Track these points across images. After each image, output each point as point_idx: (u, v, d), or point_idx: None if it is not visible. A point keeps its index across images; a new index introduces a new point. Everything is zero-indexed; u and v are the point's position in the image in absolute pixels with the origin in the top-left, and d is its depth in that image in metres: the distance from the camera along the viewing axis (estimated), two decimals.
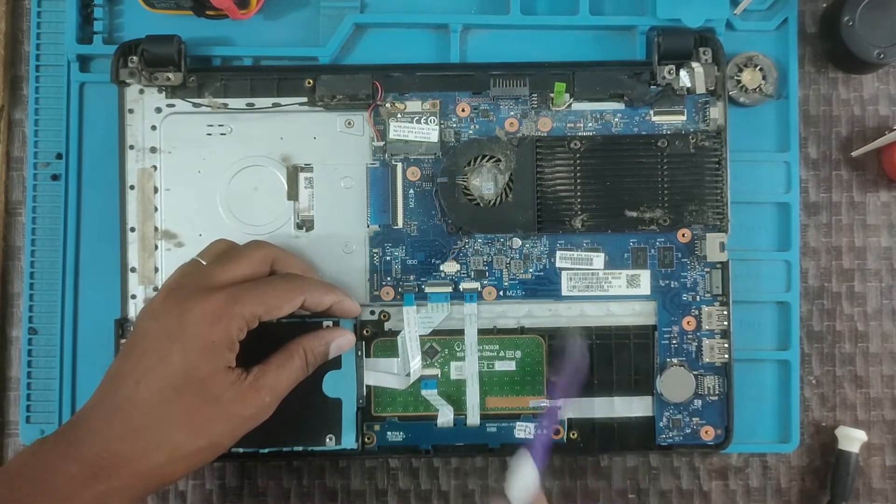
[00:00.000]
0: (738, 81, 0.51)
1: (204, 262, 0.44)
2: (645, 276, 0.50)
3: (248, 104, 0.50)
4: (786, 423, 0.52)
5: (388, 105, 0.50)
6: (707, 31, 0.51)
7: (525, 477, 0.41)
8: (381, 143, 0.50)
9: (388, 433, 0.50)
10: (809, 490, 0.52)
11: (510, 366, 0.50)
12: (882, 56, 0.50)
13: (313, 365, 0.46)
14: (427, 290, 0.49)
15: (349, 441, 0.48)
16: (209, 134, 0.50)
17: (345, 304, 0.47)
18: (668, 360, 0.50)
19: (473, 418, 0.49)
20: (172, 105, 0.50)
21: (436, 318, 0.49)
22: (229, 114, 0.50)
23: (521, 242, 0.50)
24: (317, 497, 0.52)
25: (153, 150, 0.50)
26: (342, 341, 0.47)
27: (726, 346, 0.49)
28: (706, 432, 0.50)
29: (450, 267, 0.50)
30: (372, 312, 0.50)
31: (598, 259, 0.50)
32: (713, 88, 0.50)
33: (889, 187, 0.53)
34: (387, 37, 0.52)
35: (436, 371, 0.50)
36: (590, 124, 0.50)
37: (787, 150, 0.52)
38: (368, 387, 0.49)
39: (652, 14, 0.51)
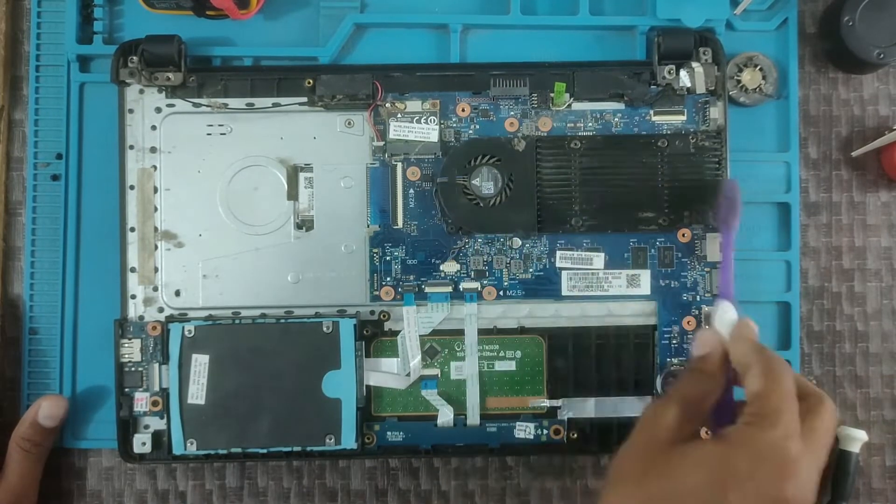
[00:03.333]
0: (738, 81, 0.51)
1: None
2: (645, 276, 0.50)
3: (248, 104, 0.50)
4: None
5: (388, 105, 0.50)
6: (707, 31, 0.51)
7: (725, 315, 0.40)
8: (381, 143, 0.50)
9: (388, 433, 0.50)
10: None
11: (510, 366, 0.50)
12: (882, 56, 0.50)
13: (38, 444, 0.48)
14: (427, 290, 0.49)
15: (349, 441, 0.48)
16: (209, 134, 0.50)
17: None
18: (668, 360, 0.50)
19: (473, 418, 0.49)
20: (172, 105, 0.50)
21: (436, 318, 0.49)
22: (229, 114, 0.50)
23: (521, 242, 0.50)
24: (317, 497, 0.52)
25: (153, 150, 0.50)
26: (46, 409, 0.48)
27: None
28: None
29: (450, 267, 0.50)
30: (372, 312, 0.50)
31: (598, 259, 0.50)
32: (713, 88, 0.50)
33: (889, 187, 0.53)
34: (387, 37, 0.52)
35: (436, 371, 0.50)
36: (590, 124, 0.50)
37: (787, 150, 0.52)
38: (368, 387, 0.49)
39: (652, 14, 0.51)
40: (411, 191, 0.50)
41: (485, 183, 0.49)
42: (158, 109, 0.50)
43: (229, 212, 0.50)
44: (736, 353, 0.38)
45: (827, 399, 0.38)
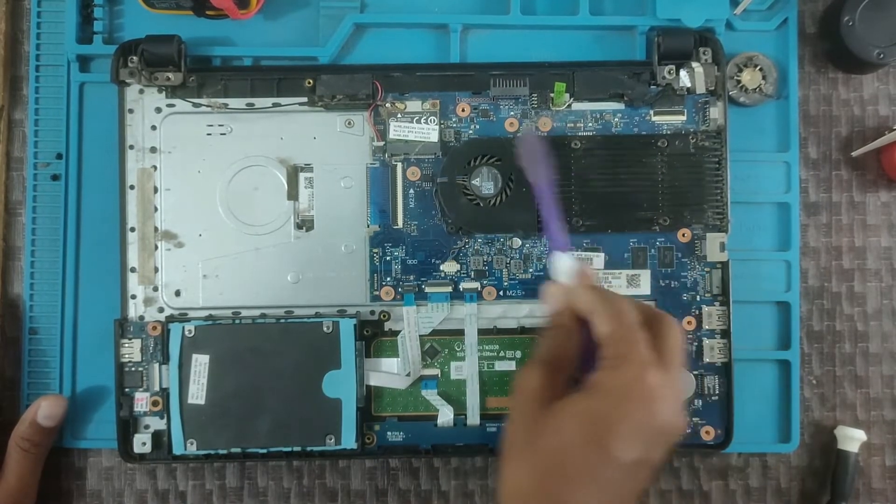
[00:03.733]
0: (738, 81, 0.51)
1: None
2: (645, 275, 0.50)
3: (248, 104, 0.50)
4: (786, 423, 0.52)
5: (388, 105, 0.50)
6: (707, 31, 0.51)
7: (562, 265, 0.41)
8: (381, 143, 0.50)
9: (388, 433, 0.50)
10: (809, 490, 0.52)
11: (510, 366, 0.50)
12: (882, 56, 0.50)
13: (37, 444, 0.48)
14: (427, 290, 0.49)
15: (349, 441, 0.48)
16: (209, 134, 0.50)
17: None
18: None
19: (473, 418, 0.49)
20: (172, 105, 0.50)
21: (436, 318, 0.49)
22: (229, 114, 0.50)
23: (521, 242, 0.50)
24: (317, 497, 0.52)
25: (153, 150, 0.50)
26: (45, 409, 0.48)
27: (726, 346, 0.49)
28: (706, 432, 0.50)
29: (450, 267, 0.50)
30: (372, 312, 0.50)
31: (598, 259, 0.50)
32: (713, 88, 0.50)
33: (889, 187, 0.53)
34: (387, 37, 0.52)
35: (436, 371, 0.50)
36: (590, 124, 0.50)
37: (787, 150, 0.52)
38: (368, 387, 0.49)
39: (652, 14, 0.51)
40: (411, 191, 0.50)
41: (485, 183, 0.49)
42: (158, 109, 0.50)
43: (229, 212, 0.50)
44: (579, 302, 0.39)
45: (668, 318, 0.39)
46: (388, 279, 0.50)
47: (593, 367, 0.38)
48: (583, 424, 0.36)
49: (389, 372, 0.49)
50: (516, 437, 0.38)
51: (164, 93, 0.50)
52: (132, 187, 0.49)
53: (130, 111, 0.50)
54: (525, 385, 0.38)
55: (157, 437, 0.49)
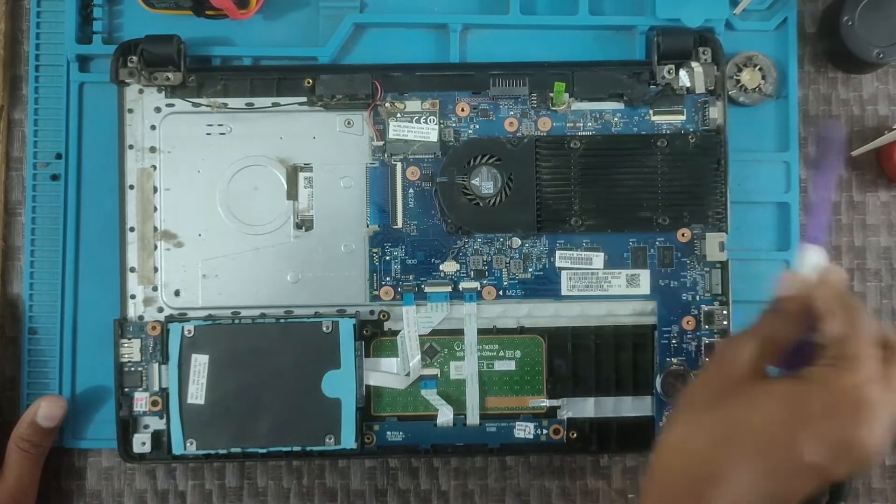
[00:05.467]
0: (738, 81, 0.51)
1: None
2: (644, 275, 0.50)
3: (247, 104, 0.50)
4: None
5: (387, 105, 0.50)
6: (706, 30, 0.51)
7: (812, 259, 0.39)
8: (381, 143, 0.50)
9: (388, 433, 0.50)
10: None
11: (510, 366, 0.50)
12: (881, 56, 0.50)
13: (37, 444, 0.48)
14: (427, 289, 0.49)
15: (349, 441, 0.48)
16: (209, 134, 0.50)
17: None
18: (667, 359, 0.50)
19: (473, 418, 0.49)
20: (172, 105, 0.50)
21: (435, 317, 0.49)
22: (229, 114, 0.50)
23: (520, 242, 0.50)
24: (317, 497, 0.52)
25: (153, 149, 0.50)
26: (45, 409, 0.48)
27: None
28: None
29: (449, 267, 0.50)
30: (372, 312, 0.50)
31: (598, 259, 0.50)
32: (713, 88, 0.50)
33: (889, 187, 0.53)
34: (386, 37, 0.52)
35: (435, 371, 0.50)
36: (589, 124, 0.50)
37: (787, 150, 0.52)
38: (368, 387, 0.49)
39: (651, 14, 0.51)
40: (411, 191, 0.50)
41: (484, 183, 0.49)
42: (158, 109, 0.50)
43: (229, 212, 0.50)
44: (822, 297, 0.37)
45: None
46: (388, 279, 0.50)
47: (802, 364, 0.36)
48: (785, 408, 0.34)
49: (389, 372, 0.49)
50: (704, 397, 0.36)
51: (163, 93, 0.50)
52: (132, 187, 0.49)
53: (130, 111, 0.50)
54: (734, 352, 0.37)
55: (156, 436, 0.49)
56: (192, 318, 0.49)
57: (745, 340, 0.37)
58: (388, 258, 0.50)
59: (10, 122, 0.52)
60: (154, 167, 0.50)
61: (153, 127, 0.50)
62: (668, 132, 0.50)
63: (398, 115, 0.50)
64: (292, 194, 0.50)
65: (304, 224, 0.50)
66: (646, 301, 0.50)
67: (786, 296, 0.39)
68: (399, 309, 0.49)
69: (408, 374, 0.49)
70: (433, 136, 0.50)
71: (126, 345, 0.49)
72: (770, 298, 0.39)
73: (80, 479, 0.52)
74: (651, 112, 0.50)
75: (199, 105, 0.49)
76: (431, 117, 0.50)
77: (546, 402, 0.49)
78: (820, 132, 0.46)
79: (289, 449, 0.48)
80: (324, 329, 0.48)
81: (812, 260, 0.39)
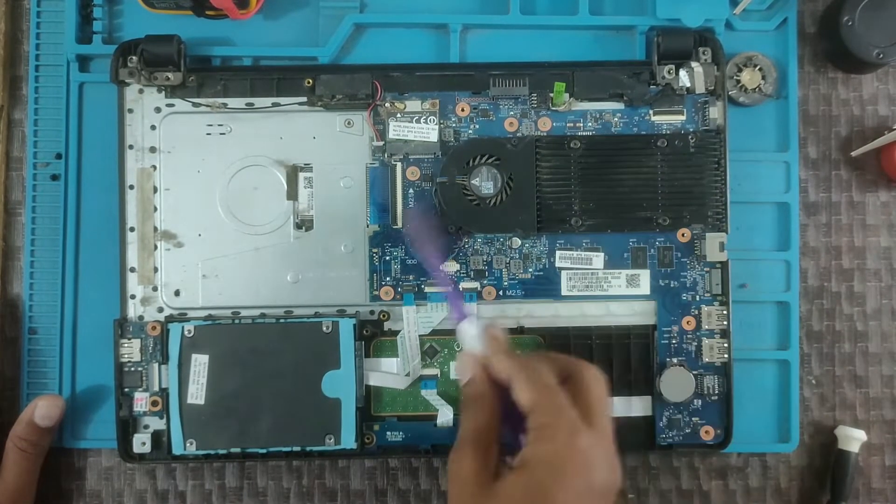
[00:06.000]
0: (738, 81, 0.51)
1: None
2: (645, 275, 0.50)
3: (247, 104, 0.50)
4: (785, 423, 0.52)
5: (387, 105, 0.50)
6: (706, 30, 0.51)
7: (469, 332, 0.41)
8: (381, 143, 0.50)
9: (388, 433, 0.50)
10: (809, 490, 0.52)
11: None
12: (881, 56, 0.50)
13: (34, 444, 0.48)
14: (426, 289, 0.49)
15: (349, 441, 0.48)
16: (209, 134, 0.50)
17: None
18: (667, 359, 0.50)
19: None
20: (172, 105, 0.50)
21: (435, 317, 0.49)
22: (229, 114, 0.50)
23: (520, 242, 0.50)
24: (317, 497, 0.52)
25: (153, 149, 0.50)
26: (42, 409, 0.48)
27: (726, 345, 0.49)
28: (706, 432, 0.50)
29: (449, 267, 0.50)
30: (372, 312, 0.50)
31: (598, 259, 0.50)
32: (713, 88, 0.50)
33: (888, 187, 0.53)
34: (386, 37, 0.52)
35: (435, 371, 0.50)
36: (589, 124, 0.50)
37: (787, 150, 0.52)
38: (368, 387, 0.49)
39: (651, 14, 0.51)
40: (411, 191, 0.50)
41: (484, 183, 0.49)
42: (158, 109, 0.50)
43: (229, 212, 0.50)
44: (496, 368, 0.39)
45: (588, 369, 0.39)
46: (388, 279, 0.50)
47: (522, 429, 0.37)
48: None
49: (389, 372, 0.49)
50: None
51: (163, 93, 0.50)
52: (132, 187, 0.49)
53: (130, 111, 0.50)
54: (459, 471, 0.37)
55: (156, 437, 0.49)
56: (192, 318, 0.49)
57: (462, 452, 0.38)
58: (388, 258, 0.50)
59: (10, 122, 0.52)
60: (154, 167, 0.50)
61: (153, 127, 0.50)
62: (669, 132, 0.50)
63: (398, 115, 0.50)
64: (292, 194, 0.50)
65: (304, 224, 0.50)
66: (646, 301, 0.50)
67: (473, 379, 0.40)
68: (399, 309, 0.49)
69: (408, 375, 0.49)
70: (433, 137, 0.50)
71: (126, 345, 0.49)
72: (460, 389, 0.40)
73: (79, 479, 0.52)
74: (651, 112, 0.50)
75: (199, 105, 0.49)
76: (431, 117, 0.50)
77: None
78: (407, 224, 0.48)
79: (289, 449, 0.48)
80: (324, 329, 0.48)
81: (470, 332, 0.41)
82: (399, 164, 0.50)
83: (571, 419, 0.36)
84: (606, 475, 0.36)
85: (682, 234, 0.50)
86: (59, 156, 0.51)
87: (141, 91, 0.50)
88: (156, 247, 0.49)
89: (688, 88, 0.50)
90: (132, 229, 0.49)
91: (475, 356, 0.40)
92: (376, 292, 0.50)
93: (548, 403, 0.37)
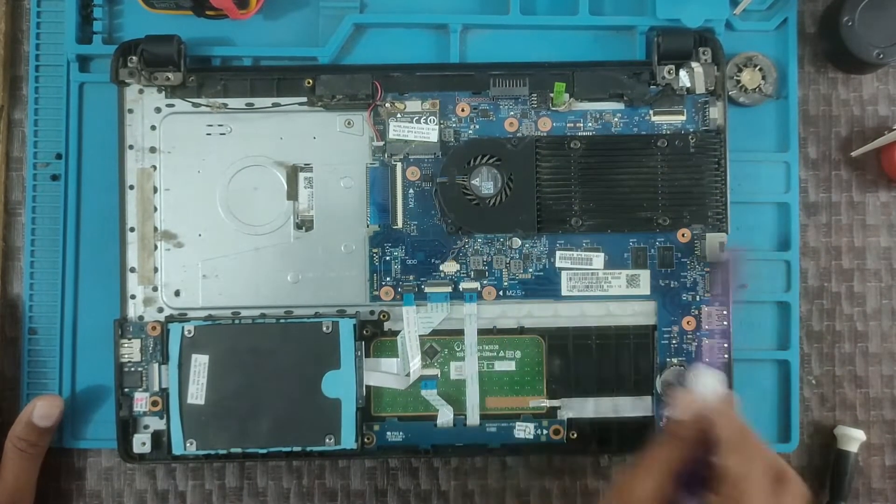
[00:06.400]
0: (738, 81, 0.51)
1: None
2: (645, 276, 0.50)
3: (247, 104, 0.50)
4: (785, 423, 0.52)
5: (387, 105, 0.50)
6: (707, 31, 0.51)
7: (709, 381, 0.41)
8: (381, 143, 0.50)
9: (388, 433, 0.50)
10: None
11: (510, 366, 0.50)
12: (881, 56, 0.50)
13: (33, 444, 0.48)
14: (427, 290, 0.49)
15: (349, 441, 0.48)
16: (209, 134, 0.50)
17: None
18: (667, 359, 0.50)
19: (473, 418, 0.49)
20: (172, 105, 0.50)
21: (435, 318, 0.49)
22: (229, 114, 0.50)
23: (520, 242, 0.50)
24: (317, 497, 0.52)
25: (153, 149, 0.50)
26: (41, 409, 0.48)
27: (726, 345, 0.49)
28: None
29: (449, 267, 0.50)
30: (372, 312, 0.50)
31: (598, 259, 0.50)
32: (713, 88, 0.50)
33: (889, 187, 0.53)
34: (386, 37, 0.52)
35: (436, 371, 0.50)
36: (589, 124, 0.50)
37: (787, 150, 0.52)
38: (368, 387, 0.49)
39: (652, 14, 0.51)
40: (411, 191, 0.50)
41: (484, 183, 0.49)
42: (158, 109, 0.50)
43: (229, 212, 0.50)
44: (721, 425, 0.39)
45: (797, 480, 0.39)
46: (388, 279, 0.50)
47: (694, 486, 0.38)
48: None
49: (389, 372, 0.49)
50: None
51: (163, 93, 0.50)
52: (132, 187, 0.49)
53: (130, 111, 0.50)
54: (634, 489, 0.38)
55: (156, 437, 0.49)
56: (193, 319, 0.49)
57: (645, 475, 0.38)
58: (388, 258, 0.50)
59: (10, 122, 0.52)
60: (154, 167, 0.50)
61: (153, 127, 0.50)
62: (669, 132, 0.50)
63: (398, 115, 0.50)
64: (292, 194, 0.50)
65: (304, 224, 0.50)
66: (646, 301, 0.50)
67: (683, 419, 0.40)
68: (399, 309, 0.49)
69: (408, 375, 0.49)
70: (433, 137, 0.50)
71: (126, 345, 0.49)
72: (666, 420, 0.39)
73: (79, 479, 0.52)
74: (651, 112, 0.50)
75: (200, 105, 0.49)
76: (431, 117, 0.50)
77: (546, 403, 0.49)
78: (724, 263, 0.48)
79: (289, 449, 0.48)
80: (324, 329, 0.48)
81: (709, 382, 0.41)
82: (399, 165, 0.50)
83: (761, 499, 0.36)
84: None
85: (683, 235, 0.50)
86: (59, 156, 0.51)
87: (141, 91, 0.50)
88: (156, 247, 0.49)
89: (688, 88, 0.50)
90: (132, 229, 0.49)
91: (702, 404, 0.40)
92: (376, 292, 0.50)
93: (748, 478, 0.37)
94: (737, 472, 0.37)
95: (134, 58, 0.49)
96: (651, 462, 0.39)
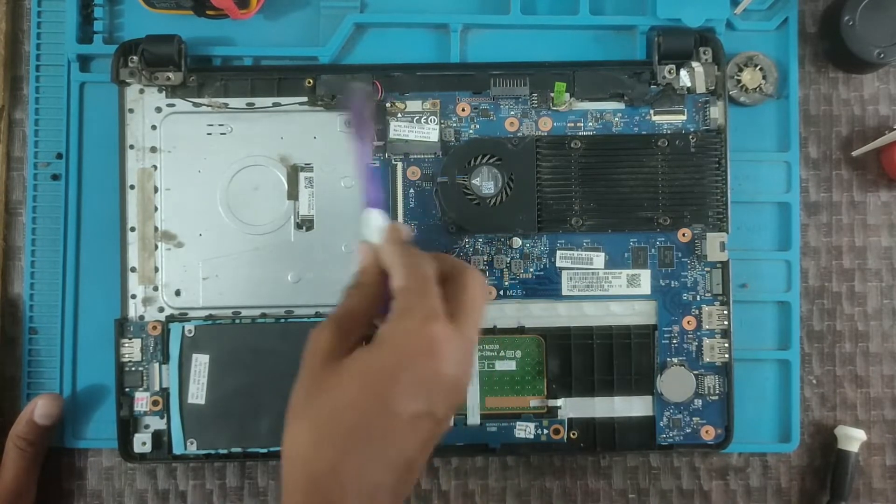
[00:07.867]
0: (739, 81, 0.51)
1: None
2: (645, 275, 0.50)
3: (248, 104, 0.50)
4: (786, 423, 0.52)
5: (388, 105, 0.50)
6: (707, 30, 0.51)
7: (374, 221, 0.40)
8: (382, 143, 0.50)
9: None
10: (809, 490, 0.52)
11: (510, 366, 0.50)
12: (882, 56, 0.50)
13: (34, 443, 0.48)
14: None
15: None
16: (209, 134, 0.50)
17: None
18: (668, 359, 0.50)
19: (473, 418, 0.49)
20: (172, 105, 0.50)
21: None
22: (229, 113, 0.50)
23: (521, 242, 0.50)
24: None
25: (153, 149, 0.50)
26: (42, 408, 0.48)
27: (726, 345, 0.49)
28: (706, 432, 0.50)
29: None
30: None
31: (599, 259, 0.50)
32: (713, 88, 0.50)
33: (889, 187, 0.53)
34: (387, 37, 0.52)
35: None
36: (590, 124, 0.50)
37: (788, 150, 0.52)
38: None
39: (652, 14, 0.51)
40: (411, 190, 0.50)
41: (485, 183, 0.49)
42: (158, 109, 0.50)
43: (229, 212, 0.50)
44: (383, 256, 0.38)
45: (469, 270, 0.38)
46: None
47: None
48: (363, 379, 0.34)
49: None
50: (299, 397, 0.36)
51: (164, 92, 0.50)
52: (132, 187, 0.49)
53: (130, 111, 0.50)
54: (313, 343, 0.36)
55: (157, 436, 0.49)
56: (193, 318, 0.49)
57: (322, 327, 0.37)
58: None
59: (10, 122, 0.52)
60: (155, 167, 0.50)
61: (154, 127, 0.50)
62: (669, 132, 0.50)
63: (399, 114, 0.50)
64: (293, 194, 0.50)
65: (304, 224, 0.50)
66: (646, 301, 0.50)
67: (363, 267, 0.39)
68: None
69: None
70: (434, 136, 0.50)
71: (126, 345, 0.49)
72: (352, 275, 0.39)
73: (80, 478, 0.52)
74: (652, 112, 0.50)
75: (200, 105, 0.50)
76: (432, 117, 0.50)
77: (546, 403, 0.49)
78: (351, 100, 0.45)
79: None
80: None
81: (375, 222, 0.39)
82: (400, 164, 0.50)
83: (431, 306, 0.35)
84: (454, 370, 0.35)
85: (683, 234, 0.50)
86: (59, 156, 0.51)
87: (141, 91, 0.50)
88: (156, 247, 0.49)
89: (688, 88, 0.50)
90: (133, 229, 0.49)
91: (372, 245, 0.39)
92: None
93: (414, 288, 0.36)
94: (401, 286, 0.36)
95: (134, 57, 0.49)
96: (332, 314, 0.38)
